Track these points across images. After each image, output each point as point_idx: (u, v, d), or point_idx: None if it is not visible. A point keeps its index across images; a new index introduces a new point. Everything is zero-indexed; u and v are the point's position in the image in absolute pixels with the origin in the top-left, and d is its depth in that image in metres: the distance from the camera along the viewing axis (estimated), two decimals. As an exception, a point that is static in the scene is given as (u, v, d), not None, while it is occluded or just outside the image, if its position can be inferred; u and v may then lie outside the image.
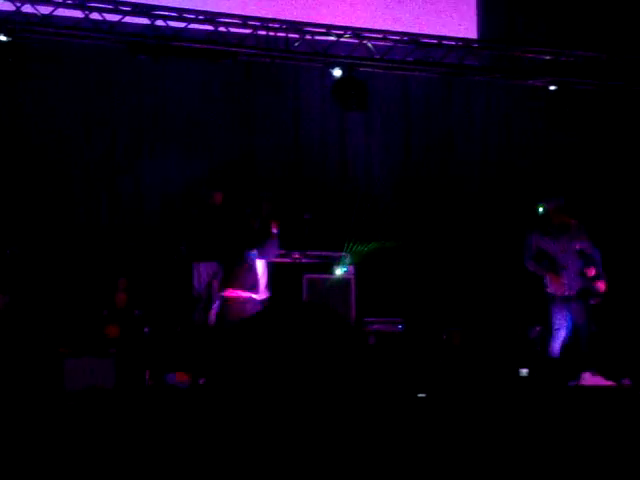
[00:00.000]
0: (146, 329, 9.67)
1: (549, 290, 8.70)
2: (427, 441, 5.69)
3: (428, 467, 5.19)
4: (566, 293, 8.63)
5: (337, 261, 9.97)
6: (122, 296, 9.84)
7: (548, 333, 8.85)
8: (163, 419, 6.17)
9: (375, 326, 10.16)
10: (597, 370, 8.63)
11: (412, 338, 10.22)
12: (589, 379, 8.54)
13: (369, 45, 10.21)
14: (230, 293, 8.19)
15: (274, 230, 8.51)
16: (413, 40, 10.39)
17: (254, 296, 8.17)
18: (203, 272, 9.80)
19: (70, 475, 4.73)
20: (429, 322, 10.54)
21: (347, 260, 9.99)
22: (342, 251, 10.01)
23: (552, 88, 10.63)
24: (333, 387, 6.45)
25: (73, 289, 10.26)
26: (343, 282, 9.98)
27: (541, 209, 8.80)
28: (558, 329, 8.70)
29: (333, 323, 6.83)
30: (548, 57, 10.70)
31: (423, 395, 8.25)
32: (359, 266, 10.33)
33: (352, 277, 10.09)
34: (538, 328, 10.32)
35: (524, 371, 9.29)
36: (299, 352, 6.45)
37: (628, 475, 4.96)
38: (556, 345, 8.66)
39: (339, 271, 9.92)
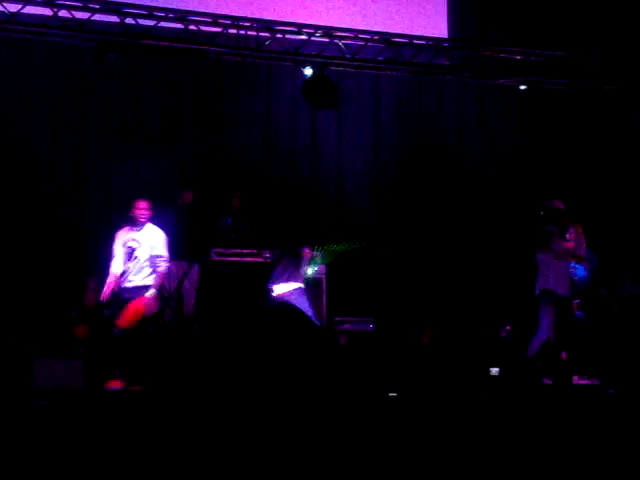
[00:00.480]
0: (115, 329, 9.58)
1: (546, 287, 8.72)
2: (398, 439, 5.69)
3: (399, 464, 5.19)
4: (559, 292, 8.70)
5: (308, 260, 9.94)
6: (91, 296, 9.74)
7: (532, 332, 8.88)
8: (130, 420, 6.13)
9: (346, 325, 10.15)
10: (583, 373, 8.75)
11: (383, 337, 10.23)
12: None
13: (340, 44, 10.22)
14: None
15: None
16: (384, 39, 10.40)
17: None
18: (173, 271, 9.76)
19: (37, 475, 4.69)
20: (400, 321, 10.55)
21: (318, 260, 9.97)
22: (313, 250, 9.96)
23: (522, 87, 10.68)
24: (301, 384, 6.46)
25: (42, 289, 10.17)
26: (314, 282, 9.96)
27: (542, 212, 8.85)
28: (544, 328, 8.75)
29: (301, 326, 6.85)
30: (518, 57, 10.75)
31: (394, 394, 8.27)
32: (330, 266, 10.32)
33: (323, 276, 10.08)
34: (508, 327, 10.36)
35: (494, 370, 9.32)
36: (270, 352, 6.45)
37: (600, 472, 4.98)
38: (536, 344, 8.70)
39: (310, 270, 9.89)
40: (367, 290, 10.70)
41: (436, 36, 11.11)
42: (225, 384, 7.45)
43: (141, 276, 8.33)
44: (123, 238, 8.35)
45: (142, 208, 8.33)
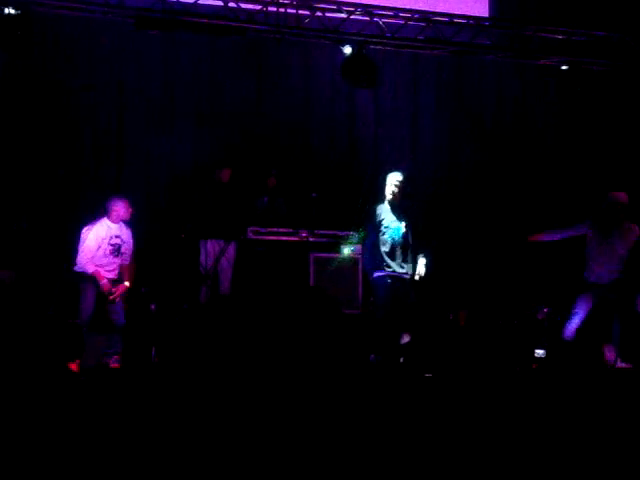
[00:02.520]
0: (152, 306, 9.64)
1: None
2: (434, 421, 5.66)
3: (435, 446, 5.15)
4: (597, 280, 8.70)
5: (344, 240, 9.92)
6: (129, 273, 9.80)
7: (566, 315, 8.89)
8: (165, 397, 6.16)
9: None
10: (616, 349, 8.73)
11: (418, 318, 10.19)
12: (609, 354, 8.67)
13: (380, 22, 10.14)
14: None
15: None
16: (424, 18, 10.32)
17: None
18: (210, 250, 9.77)
19: (79, 454, 4.70)
20: (435, 302, 10.50)
21: (355, 239, 9.93)
22: (350, 230, 9.94)
23: (564, 68, 10.57)
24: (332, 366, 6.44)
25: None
26: (350, 261, 9.93)
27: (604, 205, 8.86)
28: (577, 313, 8.75)
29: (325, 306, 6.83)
30: (560, 36, 10.63)
31: (429, 375, 8.24)
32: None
33: (359, 256, 10.03)
34: (546, 309, 10.28)
35: (540, 352, 9.28)
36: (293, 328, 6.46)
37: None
38: (571, 327, 8.72)
39: (347, 250, 9.87)
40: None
41: (477, 15, 10.97)
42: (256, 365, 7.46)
43: (118, 271, 8.84)
44: (103, 233, 8.63)
45: (129, 207, 8.79)
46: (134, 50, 10.78)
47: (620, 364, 8.93)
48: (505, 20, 11.24)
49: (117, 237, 8.75)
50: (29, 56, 9.80)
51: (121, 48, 10.72)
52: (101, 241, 8.61)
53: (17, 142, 10.35)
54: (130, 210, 8.82)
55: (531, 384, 7.37)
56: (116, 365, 8.54)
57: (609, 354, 8.83)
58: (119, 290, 8.75)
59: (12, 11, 8.74)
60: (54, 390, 6.04)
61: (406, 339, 8.58)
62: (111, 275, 8.76)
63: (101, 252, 8.64)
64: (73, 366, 8.23)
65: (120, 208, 8.73)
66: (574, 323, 8.77)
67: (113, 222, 8.73)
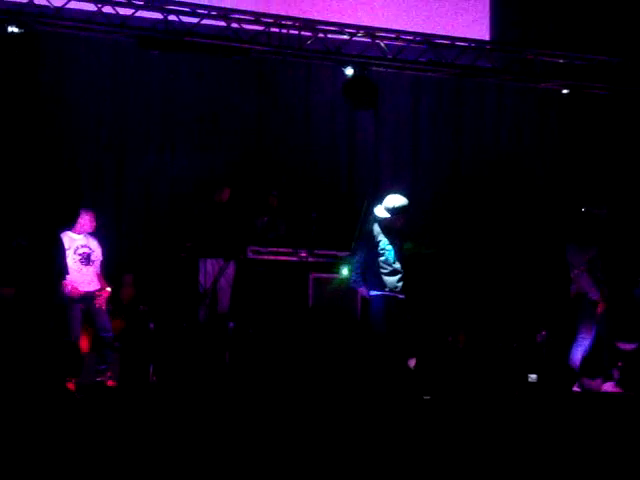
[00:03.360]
0: (151, 325, 9.64)
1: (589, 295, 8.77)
2: (432, 442, 5.65)
3: (431, 467, 5.15)
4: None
5: (344, 260, 9.91)
6: (128, 291, 9.81)
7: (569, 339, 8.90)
8: (163, 415, 6.15)
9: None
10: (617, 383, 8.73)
11: (417, 340, 10.18)
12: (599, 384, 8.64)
13: (382, 44, 10.18)
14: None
15: None
16: (426, 40, 10.35)
17: None
18: (209, 268, 9.78)
19: (74, 471, 4.70)
20: (434, 324, 10.49)
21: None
22: (349, 251, 9.93)
23: (565, 92, 10.61)
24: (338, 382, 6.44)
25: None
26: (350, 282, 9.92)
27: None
28: (584, 337, 8.76)
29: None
30: (561, 60, 10.67)
31: (428, 397, 8.22)
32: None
33: (359, 277, 10.02)
34: (544, 332, 10.28)
35: (533, 377, 9.26)
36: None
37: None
38: (578, 353, 8.71)
39: (346, 271, 9.85)
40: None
41: (478, 38, 11.02)
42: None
43: (95, 280, 8.81)
44: (68, 243, 8.60)
45: (94, 220, 8.83)
46: (135, 66, 10.81)
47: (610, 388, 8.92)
48: (506, 44, 11.28)
49: (84, 246, 8.72)
50: (31, 73, 9.83)
51: (122, 64, 10.76)
52: (66, 253, 8.52)
53: (17, 159, 10.36)
54: (94, 223, 8.82)
55: (523, 409, 7.36)
56: (112, 383, 8.52)
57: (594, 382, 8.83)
58: (103, 295, 8.74)
59: (15, 29, 8.76)
60: (52, 409, 6.03)
61: (412, 363, 8.58)
62: (92, 287, 8.73)
63: (70, 264, 8.52)
64: (70, 385, 8.22)
65: (85, 220, 8.74)
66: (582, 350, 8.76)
67: (77, 233, 8.72)
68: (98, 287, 8.74)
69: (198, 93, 11.18)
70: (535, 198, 11.99)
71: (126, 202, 10.89)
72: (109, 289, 8.84)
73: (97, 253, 8.81)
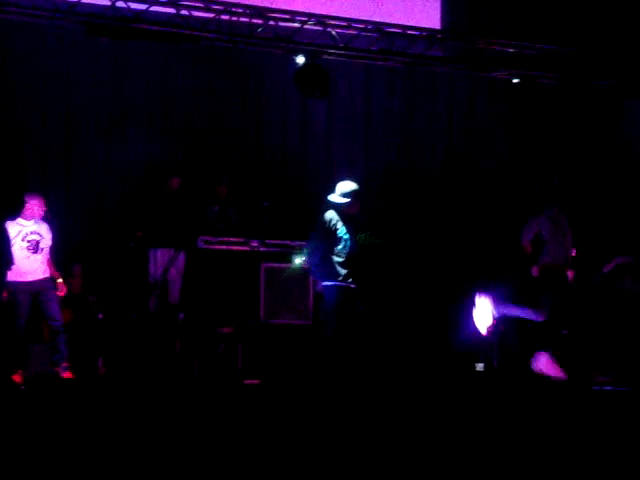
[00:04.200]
0: (100, 315, 9.54)
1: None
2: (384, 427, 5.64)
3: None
4: None
5: (296, 250, 9.87)
6: (77, 282, 9.69)
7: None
8: (112, 406, 6.08)
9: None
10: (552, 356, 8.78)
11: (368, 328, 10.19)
12: (544, 362, 8.67)
13: (333, 33, 10.14)
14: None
15: None
16: (377, 29, 10.33)
17: None
18: (159, 259, 9.72)
19: (22, 463, 4.63)
20: (386, 314, 10.49)
21: (306, 250, 9.88)
22: (301, 240, 9.90)
23: (515, 81, 10.66)
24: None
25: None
26: (302, 272, 9.88)
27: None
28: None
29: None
30: (512, 50, 10.71)
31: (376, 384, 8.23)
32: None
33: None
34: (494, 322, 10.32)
35: (480, 365, 9.34)
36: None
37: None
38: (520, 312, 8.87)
39: (298, 260, 9.82)
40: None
41: (429, 27, 11.02)
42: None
43: (45, 267, 8.57)
44: (14, 233, 8.37)
45: (44, 205, 8.60)
46: (83, 56, 10.62)
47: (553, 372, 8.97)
48: (458, 33, 11.30)
49: (33, 233, 8.49)
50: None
51: (70, 54, 10.58)
52: (13, 241, 8.28)
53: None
54: (44, 208, 8.58)
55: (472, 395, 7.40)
56: (68, 374, 8.37)
57: (542, 362, 8.87)
58: (62, 289, 8.61)
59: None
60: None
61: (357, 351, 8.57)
62: (41, 275, 8.52)
63: (17, 252, 8.27)
64: (16, 377, 8.11)
65: (34, 205, 8.52)
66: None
67: (26, 219, 8.51)
68: (48, 275, 8.55)
69: (148, 79, 11.03)
70: (487, 186, 12.01)
71: (75, 191, 10.72)
72: (60, 280, 8.64)
73: (47, 240, 8.57)
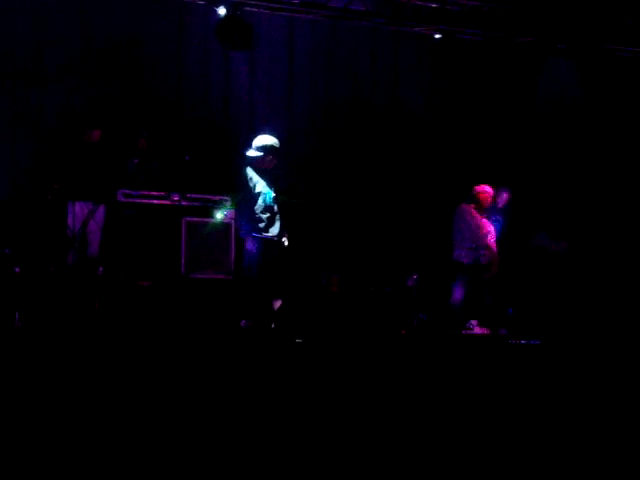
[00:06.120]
0: (17, 269, 9.36)
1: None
2: (304, 385, 5.67)
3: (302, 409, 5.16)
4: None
5: (218, 205, 9.81)
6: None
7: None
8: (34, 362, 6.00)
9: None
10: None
11: (290, 283, 10.21)
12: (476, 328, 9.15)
13: (255, -16, 10.03)
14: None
15: None
16: (300, -19, 10.25)
17: None
18: (78, 212, 9.56)
19: None
20: (307, 268, 10.52)
21: (228, 204, 9.83)
22: (223, 194, 9.83)
23: (437, 36, 10.68)
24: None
25: None
26: (223, 226, 9.84)
27: None
28: None
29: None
30: (434, 5, 10.71)
31: (300, 340, 8.27)
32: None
33: (232, 221, 9.95)
34: (415, 276, 10.44)
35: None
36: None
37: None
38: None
39: (219, 215, 9.77)
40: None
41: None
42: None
43: None
44: None
45: None
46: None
47: (478, 329, 9.31)
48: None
49: None
50: None
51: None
52: None
53: None
54: None
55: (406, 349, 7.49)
56: None
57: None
58: None
59: None
60: None
61: (278, 304, 8.59)
62: None
63: None
64: None
65: None
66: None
67: None
68: None
69: (68, 26, 10.74)
70: (410, 142, 12.06)
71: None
72: None
73: None
